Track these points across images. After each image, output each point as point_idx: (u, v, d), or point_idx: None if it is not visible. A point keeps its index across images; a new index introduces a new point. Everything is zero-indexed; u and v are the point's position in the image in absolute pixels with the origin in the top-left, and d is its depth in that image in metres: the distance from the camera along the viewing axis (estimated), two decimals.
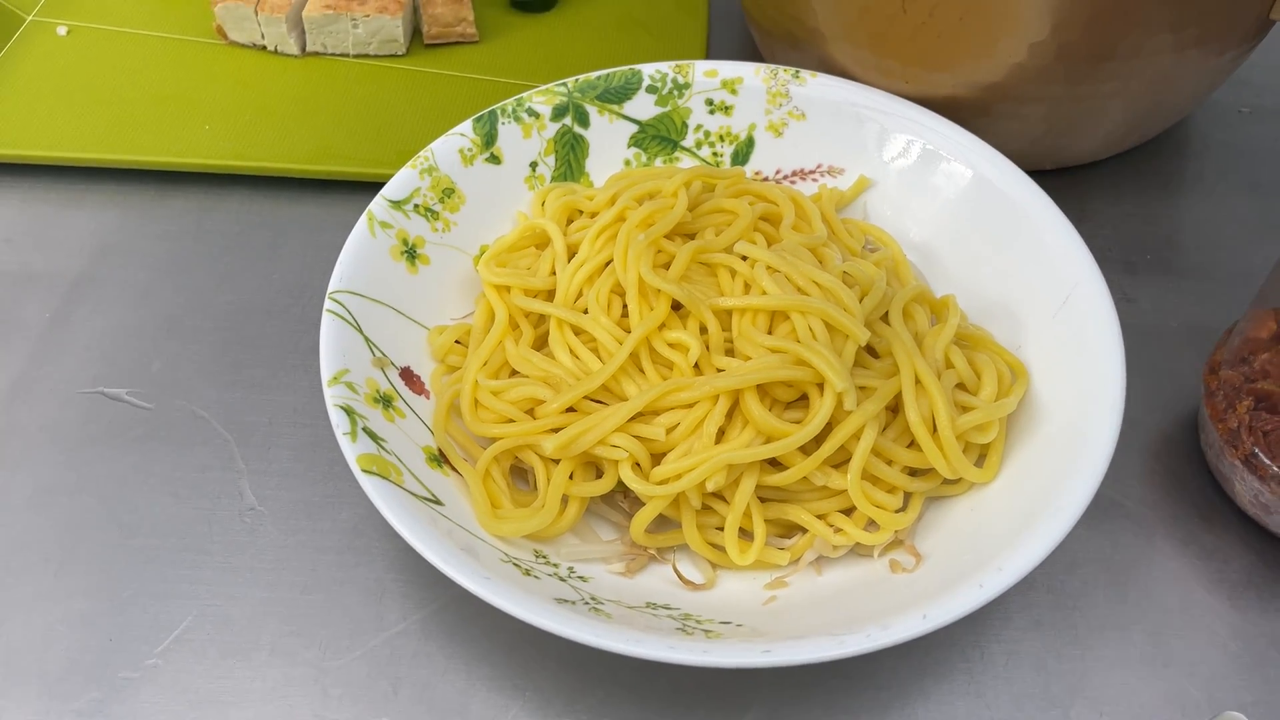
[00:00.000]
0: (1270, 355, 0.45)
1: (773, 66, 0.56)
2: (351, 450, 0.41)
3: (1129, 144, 0.60)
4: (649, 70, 0.57)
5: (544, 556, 0.43)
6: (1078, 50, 0.50)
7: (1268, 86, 0.66)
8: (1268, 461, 0.44)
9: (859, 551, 0.44)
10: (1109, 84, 0.53)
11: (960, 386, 0.46)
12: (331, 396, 0.43)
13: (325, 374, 0.44)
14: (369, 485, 0.40)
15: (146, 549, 0.46)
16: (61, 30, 0.67)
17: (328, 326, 0.45)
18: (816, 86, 0.56)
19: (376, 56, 0.66)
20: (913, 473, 0.45)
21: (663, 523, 0.45)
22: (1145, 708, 0.42)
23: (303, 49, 0.66)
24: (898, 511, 0.44)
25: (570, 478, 0.44)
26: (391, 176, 0.52)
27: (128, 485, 0.48)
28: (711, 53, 0.69)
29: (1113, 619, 0.45)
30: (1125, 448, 0.50)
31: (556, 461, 0.45)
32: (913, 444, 0.44)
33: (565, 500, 0.44)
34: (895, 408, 0.45)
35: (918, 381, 0.44)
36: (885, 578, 0.42)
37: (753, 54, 0.68)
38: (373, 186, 0.59)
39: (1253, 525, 0.47)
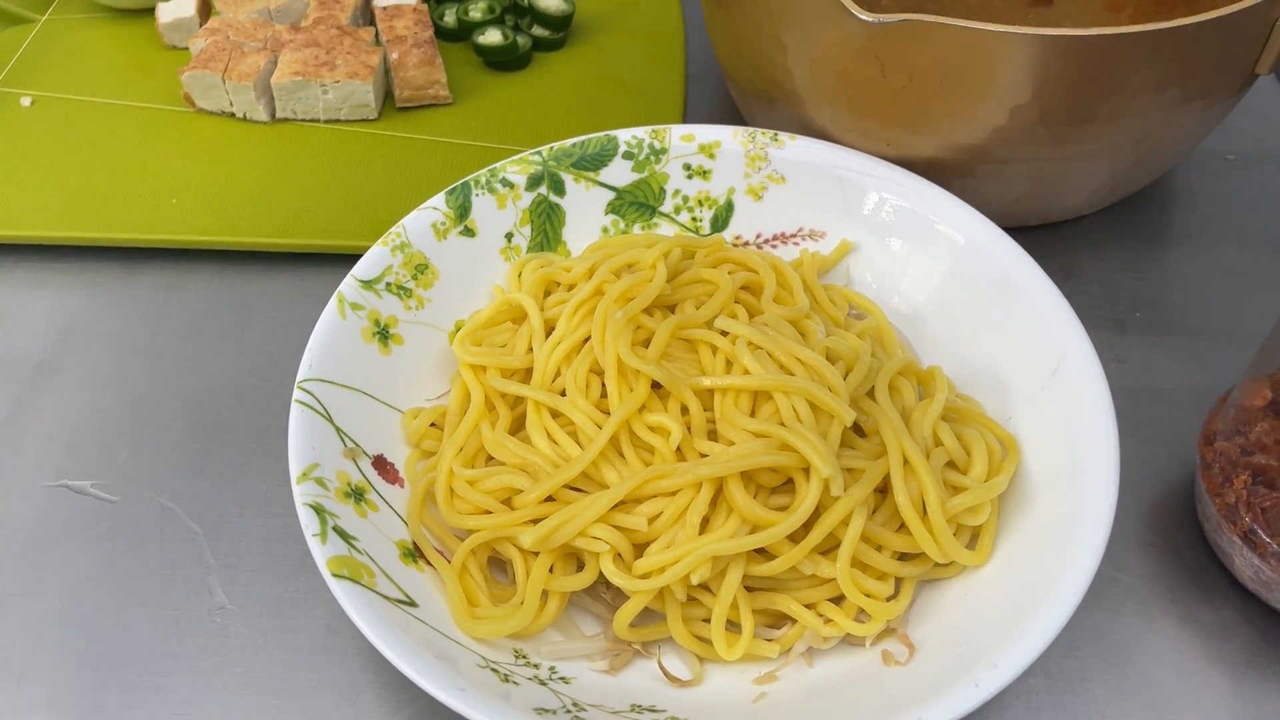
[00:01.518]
0: (1265, 426, 0.44)
1: (750, 130, 0.55)
2: (321, 553, 0.40)
3: (1115, 198, 0.59)
4: (625, 136, 0.55)
5: (524, 657, 0.42)
6: (1060, 113, 0.49)
7: (1253, 133, 0.66)
8: (1267, 539, 0.42)
9: (851, 641, 0.43)
10: (1093, 144, 0.52)
11: (949, 465, 0.45)
12: (300, 495, 0.41)
13: (294, 470, 0.42)
14: (340, 591, 0.39)
15: (112, 653, 0.44)
16: (26, 101, 0.66)
17: (296, 418, 0.44)
18: (795, 149, 0.55)
19: (348, 122, 0.65)
20: (903, 556, 0.43)
21: (647, 615, 0.43)
22: None
23: (272, 116, 0.65)
24: (889, 599, 0.42)
25: (550, 570, 0.43)
26: (365, 248, 0.50)
27: (92, 585, 0.46)
28: (689, 111, 0.68)
29: (1113, 702, 0.43)
30: (1120, 516, 0.48)
31: (536, 554, 0.43)
32: (902, 527, 0.43)
33: (545, 595, 0.43)
34: (884, 488, 0.44)
35: (906, 463, 0.43)
36: (877, 671, 0.41)
37: (731, 112, 0.67)
38: (347, 258, 0.58)
39: (1254, 600, 0.46)
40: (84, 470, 0.50)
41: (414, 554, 0.44)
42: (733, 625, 0.43)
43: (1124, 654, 0.45)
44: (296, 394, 0.44)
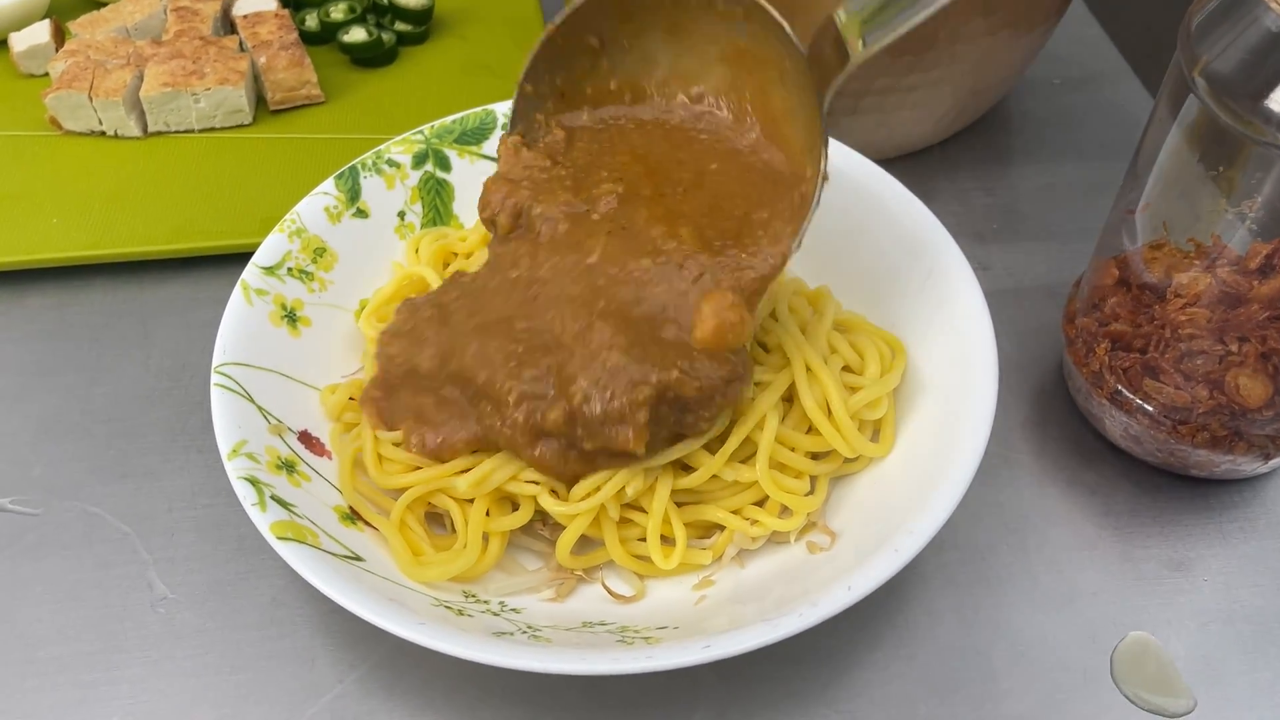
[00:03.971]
0: (1117, 298, 0.48)
1: None
2: (263, 520, 0.41)
3: (960, 125, 0.64)
4: (501, 109, 0.58)
5: (473, 595, 0.43)
6: (903, 43, 0.53)
7: (1073, 58, 0.72)
8: (1130, 395, 0.47)
9: (776, 539, 0.46)
10: (935, 71, 0.56)
11: (846, 369, 0.48)
12: (234, 470, 0.42)
13: (224, 448, 0.43)
14: (286, 552, 0.40)
15: (57, 659, 0.44)
16: None
17: (218, 400, 0.44)
18: None
19: (223, 129, 0.65)
20: (814, 457, 0.47)
21: (585, 543, 0.45)
22: (1059, 642, 0.45)
23: (145, 130, 0.65)
24: (806, 495, 0.45)
25: (487, 514, 0.45)
26: (257, 245, 0.51)
27: (27, 597, 0.46)
28: None
29: (1018, 564, 0.47)
30: (1003, 405, 0.53)
31: (470, 501, 0.45)
32: (811, 429, 0.46)
33: (486, 538, 0.44)
34: (790, 397, 0.47)
35: (809, 370, 0.46)
36: (805, 559, 0.44)
37: None
38: (240, 258, 0.58)
39: (1126, 457, 0.50)
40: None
41: (352, 517, 0.45)
42: (667, 540, 0.45)
43: (1023, 522, 0.49)
44: (215, 378, 0.45)
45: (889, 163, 0.57)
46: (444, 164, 0.57)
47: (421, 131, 0.56)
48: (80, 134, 0.65)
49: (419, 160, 0.56)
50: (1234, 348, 0.44)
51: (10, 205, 0.60)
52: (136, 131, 0.64)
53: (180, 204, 0.61)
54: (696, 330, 0.43)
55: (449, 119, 0.57)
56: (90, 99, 0.63)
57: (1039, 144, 0.66)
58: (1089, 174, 0.64)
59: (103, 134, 0.65)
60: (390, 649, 0.44)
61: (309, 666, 0.44)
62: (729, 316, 0.42)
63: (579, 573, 0.45)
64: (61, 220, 0.59)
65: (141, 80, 0.64)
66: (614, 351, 0.41)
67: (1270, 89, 0.38)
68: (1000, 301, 0.57)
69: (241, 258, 0.58)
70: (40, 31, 0.68)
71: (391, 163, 0.56)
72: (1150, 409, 0.47)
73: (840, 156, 0.54)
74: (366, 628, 0.39)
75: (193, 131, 0.65)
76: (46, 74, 0.68)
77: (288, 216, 0.52)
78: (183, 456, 0.51)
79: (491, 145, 0.57)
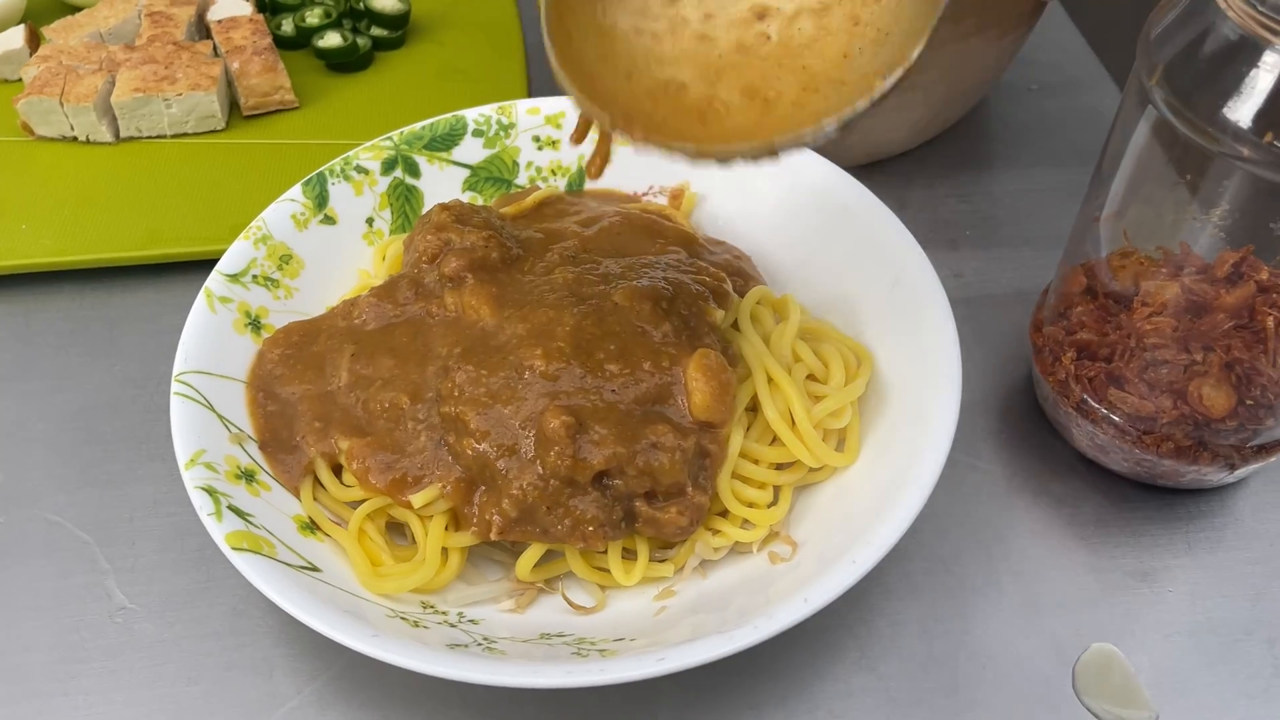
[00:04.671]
0: (1084, 307, 0.48)
1: None
2: (218, 530, 0.41)
3: (935, 130, 0.64)
4: (473, 115, 0.57)
5: (431, 606, 0.43)
6: None
7: (1050, 63, 0.71)
8: (1096, 405, 0.47)
9: (739, 550, 0.45)
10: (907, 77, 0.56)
11: (810, 377, 0.48)
12: (191, 479, 0.42)
13: (181, 457, 0.43)
14: (241, 562, 0.40)
15: (15, 669, 0.44)
16: None
17: (178, 409, 0.44)
18: None
19: (196, 134, 0.65)
20: (779, 466, 0.46)
21: (547, 554, 0.45)
22: (1022, 653, 0.44)
23: (116, 135, 0.65)
24: (770, 506, 0.45)
25: (447, 528, 0.44)
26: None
27: None
28: (534, 91, 0.70)
29: (983, 575, 0.47)
30: (970, 412, 0.52)
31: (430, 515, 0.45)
32: (775, 440, 0.46)
33: (445, 551, 0.44)
34: (754, 407, 0.47)
35: (770, 380, 0.46)
36: (766, 570, 0.44)
37: None
38: (210, 265, 0.58)
39: (1094, 467, 0.50)
40: None
41: (311, 527, 0.45)
42: (628, 553, 0.45)
43: (989, 532, 0.48)
44: (175, 386, 0.45)
45: (863, 169, 0.57)
46: (414, 170, 0.56)
47: (390, 138, 0.56)
48: (52, 139, 0.65)
49: (388, 166, 0.56)
50: (1198, 357, 0.44)
51: None
52: (108, 137, 0.64)
53: (151, 210, 0.61)
54: (695, 397, 0.43)
55: (418, 125, 0.57)
56: (62, 104, 0.63)
57: (1015, 150, 0.66)
58: (1065, 180, 0.64)
59: (74, 139, 0.64)
60: (349, 660, 0.44)
61: (267, 677, 0.44)
62: (720, 374, 0.44)
63: (539, 584, 0.45)
64: (30, 226, 0.59)
65: (113, 85, 0.64)
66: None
67: (1227, 97, 0.38)
68: (973, 309, 0.57)
69: (212, 265, 0.57)
70: (14, 37, 0.68)
71: (360, 169, 0.55)
72: (1116, 419, 0.46)
73: (809, 164, 0.54)
74: (326, 638, 0.39)
75: (165, 137, 0.65)
76: (20, 79, 0.68)
77: (253, 223, 0.52)
78: (146, 465, 0.50)
79: (462, 151, 0.57)
